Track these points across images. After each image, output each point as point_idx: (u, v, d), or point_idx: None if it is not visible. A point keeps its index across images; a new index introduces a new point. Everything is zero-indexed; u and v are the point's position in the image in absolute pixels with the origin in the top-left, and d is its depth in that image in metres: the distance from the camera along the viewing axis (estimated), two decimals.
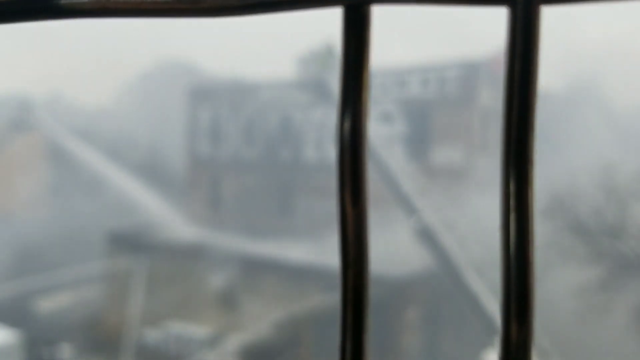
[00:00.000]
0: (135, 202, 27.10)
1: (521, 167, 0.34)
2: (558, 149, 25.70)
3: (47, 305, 25.33)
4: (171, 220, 26.87)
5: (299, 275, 20.60)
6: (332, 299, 18.63)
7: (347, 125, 0.41)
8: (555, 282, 13.57)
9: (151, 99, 53.56)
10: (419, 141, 24.62)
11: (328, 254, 21.56)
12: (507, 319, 0.33)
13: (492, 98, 24.37)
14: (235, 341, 19.40)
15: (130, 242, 26.00)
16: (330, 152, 26.67)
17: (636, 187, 13.57)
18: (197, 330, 23.01)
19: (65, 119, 39.53)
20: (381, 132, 17.59)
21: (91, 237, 30.88)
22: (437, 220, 14.91)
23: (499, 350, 0.35)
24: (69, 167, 32.73)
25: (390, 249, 18.97)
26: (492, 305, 12.77)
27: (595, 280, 13.24)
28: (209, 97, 31.74)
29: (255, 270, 22.02)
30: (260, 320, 21.31)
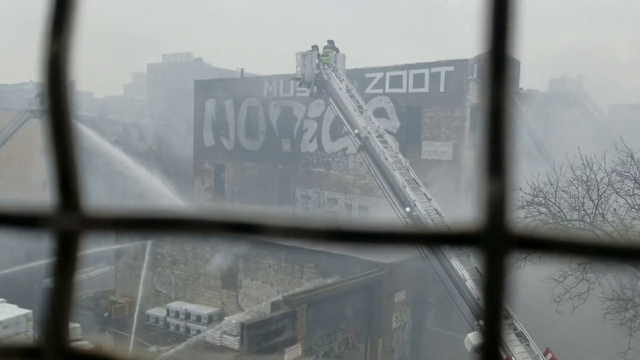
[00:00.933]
0: (143, 186, 27.09)
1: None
2: (542, 145, 25.70)
3: None
4: (177, 205, 26.87)
5: (296, 259, 20.65)
6: (327, 281, 18.69)
7: None
8: (534, 270, 13.62)
9: (159, 91, 53.24)
10: (412, 135, 24.62)
11: None
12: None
13: (480, 95, 24.32)
14: (235, 319, 19.43)
15: None
16: (328, 144, 26.50)
17: (614, 180, 13.60)
18: (201, 308, 23.11)
19: (78, 107, 39.24)
20: (377, 128, 17.56)
21: None
22: (429, 209, 14.93)
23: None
24: (81, 152, 32.61)
25: None
26: (477, 290, 12.83)
27: (574, 268, 13.29)
28: (214, 89, 31.63)
29: (255, 253, 22.06)
30: (259, 300, 21.39)
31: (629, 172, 13.40)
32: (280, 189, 28.76)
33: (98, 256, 27.75)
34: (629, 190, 13.36)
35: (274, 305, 15.93)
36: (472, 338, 12.22)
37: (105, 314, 25.45)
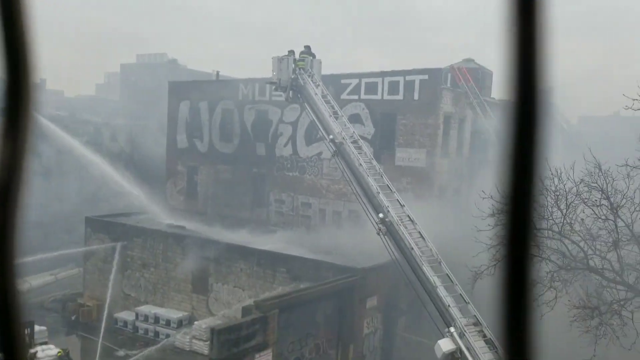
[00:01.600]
0: (115, 189, 26.69)
1: None
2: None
3: (28, 286, 24.82)
4: (149, 208, 26.55)
5: (268, 263, 20.57)
6: (299, 286, 18.65)
7: None
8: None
9: (132, 91, 52.55)
10: (386, 141, 24.77)
11: (295, 243, 21.56)
12: None
13: (452, 103, 24.67)
14: (205, 324, 19.28)
15: (109, 227, 25.63)
16: (303, 148, 26.47)
17: (582, 190, 13.88)
18: (170, 312, 22.82)
19: (48, 106, 38.57)
20: (351, 133, 17.63)
21: (71, 222, 30.26)
22: (401, 216, 15.02)
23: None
24: (52, 154, 32.03)
25: (359, 242, 19.07)
26: (448, 297, 12.94)
27: (542, 276, 13.51)
28: (188, 91, 31.39)
29: (227, 257, 21.90)
30: (230, 305, 21.23)
31: (596, 182, 13.70)
32: (254, 193, 28.63)
33: (66, 257, 27.21)
34: (596, 200, 13.65)
35: (245, 310, 15.84)
36: (443, 344, 12.32)
37: (73, 317, 24.97)
